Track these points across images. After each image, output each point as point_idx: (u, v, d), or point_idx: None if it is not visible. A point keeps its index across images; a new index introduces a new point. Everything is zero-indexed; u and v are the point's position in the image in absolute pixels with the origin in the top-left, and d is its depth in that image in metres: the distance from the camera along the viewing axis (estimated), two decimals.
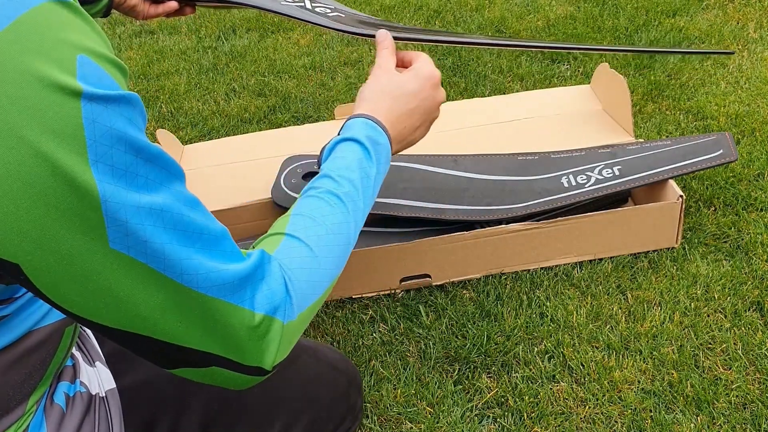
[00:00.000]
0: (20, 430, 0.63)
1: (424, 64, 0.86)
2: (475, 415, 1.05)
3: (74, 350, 0.74)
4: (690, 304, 1.18)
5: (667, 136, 1.59)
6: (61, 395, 0.68)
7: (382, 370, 1.12)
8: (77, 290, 0.48)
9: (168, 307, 0.51)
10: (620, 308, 1.19)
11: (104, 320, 0.50)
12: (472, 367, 1.11)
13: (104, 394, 0.73)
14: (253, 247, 0.65)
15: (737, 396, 1.03)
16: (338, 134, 0.80)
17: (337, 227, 0.68)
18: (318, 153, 1.41)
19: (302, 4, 0.92)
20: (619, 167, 1.30)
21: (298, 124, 1.82)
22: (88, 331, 0.79)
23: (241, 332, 0.55)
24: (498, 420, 1.03)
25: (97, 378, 0.74)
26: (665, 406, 1.03)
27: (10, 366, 0.59)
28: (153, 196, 0.49)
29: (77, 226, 0.46)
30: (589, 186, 1.28)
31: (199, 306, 0.53)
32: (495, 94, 1.84)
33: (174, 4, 1.06)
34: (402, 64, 0.90)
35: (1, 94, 0.43)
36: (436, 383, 1.09)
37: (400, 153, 1.40)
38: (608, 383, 1.06)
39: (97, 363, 0.76)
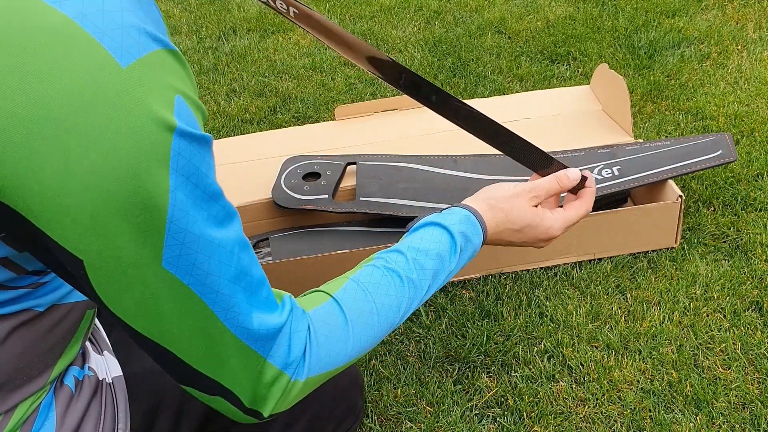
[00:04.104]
0: (33, 406, 0.65)
1: (557, 221, 0.86)
2: (475, 414, 1.05)
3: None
4: (689, 304, 1.18)
5: (667, 137, 1.59)
6: (71, 378, 0.70)
7: (382, 369, 1.12)
8: (124, 294, 0.54)
9: (196, 331, 0.57)
10: (620, 308, 1.19)
11: (138, 326, 0.56)
12: (472, 366, 1.12)
13: (111, 380, 0.75)
14: (304, 295, 0.69)
15: (736, 396, 1.03)
16: (438, 212, 0.81)
17: (386, 309, 0.70)
18: (318, 153, 1.43)
19: None
20: (619, 167, 1.30)
21: (298, 125, 1.82)
22: (98, 322, 0.82)
23: (253, 376, 0.60)
24: (498, 419, 1.03)
25: (105, 365, 0.76)
26: (664, 406, 1.03)
27: (40, 335, 0.64)
28: (210, 230, 0.55)
29: (141, 239, 0.52)
30: None
31: (224, 340, 0.58)
32: (495, 95, 1.85)
33: None
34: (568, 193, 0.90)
35: (113, 121, 0.49)
36: (436, 383, 1.10)
37: (400, 154, 1.41)
38: (608, 383, 1.06)
39: (105, 352, 0.78)
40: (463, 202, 0.84)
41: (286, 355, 0.61)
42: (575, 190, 0.92)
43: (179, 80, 0.53)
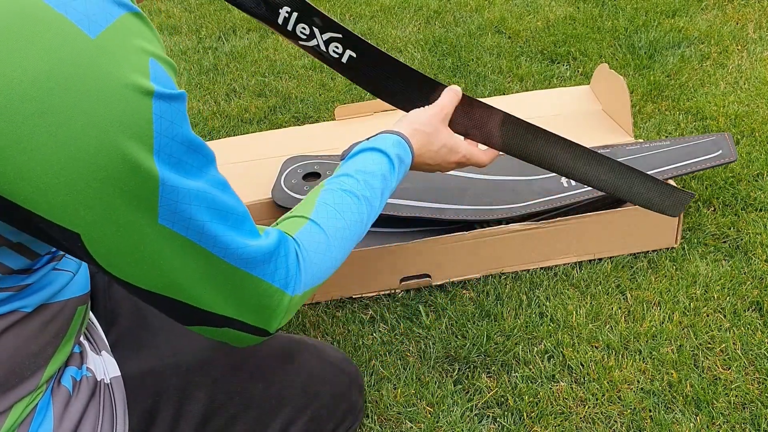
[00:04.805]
0: (30, 407, 0.65)
1: (464, 147, 0.98)
2: (475, 414, 1.05)
3: (82, 339, 0.77)
4: (689, 304, 1.18)
5: (667, 137, 1.59)
6: (68, 378, 0.70)
7: (382, 369, 1.12)
8: (125, 258, 0.56)
9: (200, 275, 0.59)
10: (620, 308, 1.19)
11: (143, 284, 0.58)
12: (472, 366, 1.12)
13: (109, 381, 0.75)
14: (276, 224, 0.74)
15: (736, 396, 1.03)
16: (369, 139, 0.88)
17: (354, 224, 0.77)
18: (318, 153, 1.42)
19: (315, 43, 0.96)
20: None
21: (298, 125, 1.82)
22: (96, 322, 0.82)
23: (258, 301, 0.64)
24: (498, 420, 1.03)
25: (103, 365, 0.76)
26: (665, 406, 1.03)
27: (30, 336, 0.64)
28: (196, 181, 0.57)
29: (135, 203, 0.53)
30: (588, 186, 1.28)
31: (226, 275, 0.61)
32: (495, 95, 1.85)
33: None
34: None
35: (92, 94, 0.50)
36: (436, 383, 1.09)
37: None
38: (608, 383, 1.06)
39: (103, 352, 0.78)
40: (390, 128, 0.91)
41: (285, 275, 0.65)
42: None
43: (148, 42, 0.54)
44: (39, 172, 0.50)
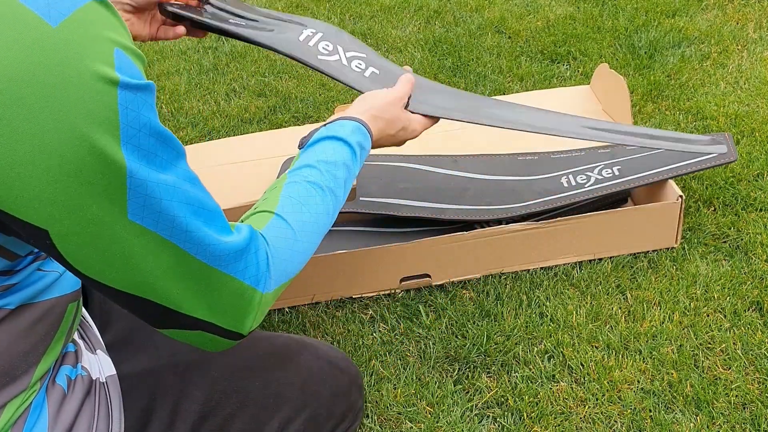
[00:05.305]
0: (23, 406, 0.65)
1: (418, 122, 1.01)
2: (475, 414, 1.05)
3: (77, 338, 0.76)
4: (689, 304, 1.18)
5: None
6: (63, 377, 0.70)
7: (382, 370, 1.12)
8: (95, 255, 0.54)
9: (172, 274, 0.58)
10: (620, 308, 1.19)
11: (114, 283, 0.56)
12: (472, 366, 1.12)
13: (104, 380, 0.75)
14: (243, 220, 0.72)
15: (736, 396, 1.03)
16: (327, 126, 0.86)
17: (320, 217, 0.76)
18: None
19: (337, 58, 0.97)
20: (619, 167, 1.30)
21: (298, 125, 1.82)
22: (90, 321, 0.82)
23: (229, 300, 0.62)
24: (498, 420, 1.03)
25: (98, 364, 0.76)
26: (665, 406, 1.03)
27: (19, 335, 0.64)
28: (167, 174, 0.55)
29: (104, 197, 0.52)
30: (588, 186, 1.28)
31: (199, 273, 0.59)
32: (495, 95, 1.84)
33: (182, 30, 1.04)
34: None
35: (54, 84, 0.49)
36: (436, 383, 1.09)
37: (400, 154, 1.41)
38: (608, 383, 1.06)
39: (98, 351, 0.78)
40: (348, 114, 0.90)
41: (255, 273, 0.64)
42: None
43: (114, 32, 0.52)
44: (3, 166, 0.49)
